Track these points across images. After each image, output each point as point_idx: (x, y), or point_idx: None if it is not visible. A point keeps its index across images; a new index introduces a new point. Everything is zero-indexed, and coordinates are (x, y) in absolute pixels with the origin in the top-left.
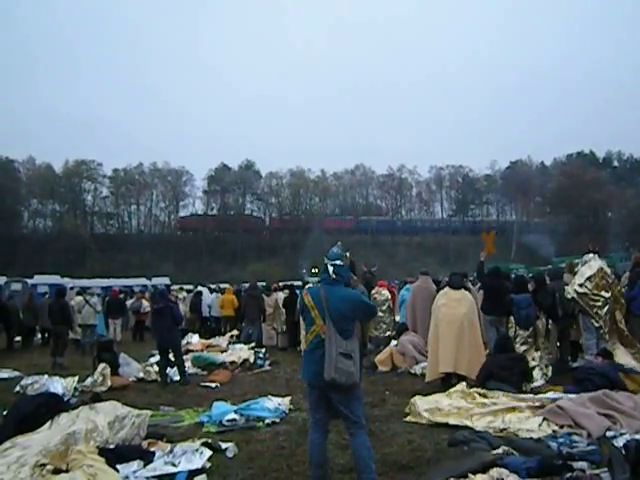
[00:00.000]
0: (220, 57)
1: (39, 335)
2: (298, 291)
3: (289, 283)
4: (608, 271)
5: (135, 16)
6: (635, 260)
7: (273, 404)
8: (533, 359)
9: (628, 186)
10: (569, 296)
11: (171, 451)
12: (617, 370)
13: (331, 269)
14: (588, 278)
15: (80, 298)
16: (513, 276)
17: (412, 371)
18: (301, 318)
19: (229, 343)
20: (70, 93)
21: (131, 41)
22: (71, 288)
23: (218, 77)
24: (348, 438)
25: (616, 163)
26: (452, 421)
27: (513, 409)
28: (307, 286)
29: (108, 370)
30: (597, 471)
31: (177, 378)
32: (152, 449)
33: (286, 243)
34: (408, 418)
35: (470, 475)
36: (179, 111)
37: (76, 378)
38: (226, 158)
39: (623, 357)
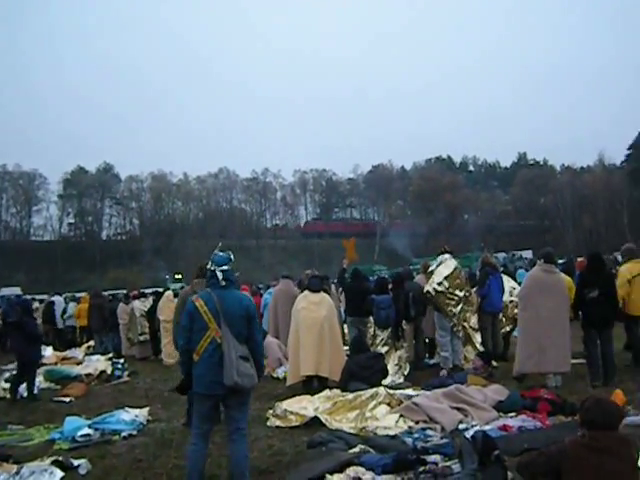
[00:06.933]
0: (71, 54)
1: None
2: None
3: (152, 290)
4: (462, 271)
5: None
6: (483, 260)
7: (130, 416)
8: (393, 359)
9: (482, 189)
10: (428, 295)
11: (17, 472)
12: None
13: (221, 275)
14: (445, 277)
15: None
16: (374, 277)
17: (274, 375)
18: (183, 325)
19: (85, 355)
20: None
21: None
22: None
23: (69, 74)
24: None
25: (472, 168)
26: (314, 421)
27: (373, 400)
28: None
29: None
30: (449, 463)
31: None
32: None
33: (148, 248)
34: (269, 422)
35: (327, 475)
36: (29, 110)
37: None
38: (83, 160)
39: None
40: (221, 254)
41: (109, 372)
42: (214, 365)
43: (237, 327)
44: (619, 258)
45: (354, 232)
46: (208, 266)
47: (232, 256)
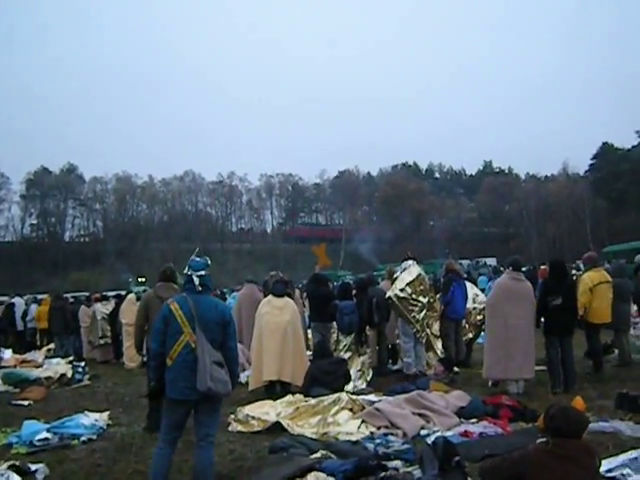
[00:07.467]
0: (34, 53)
1: None
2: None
3: (114, 293)
4: (425, 277)
5: None
6: (447, 267)
7: (90, 420)
8: (356, 365)
9: (448, 196)
10: (390, 301)
11: None
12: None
13: (197, 280)
14: (408, 283)
15: None
16: (339, 282)
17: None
18: (156, 328)
19: (45, 357)
20: None
21: None
22: None
23: (32, 73)
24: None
25: (437, 174)
26: (275, 426)
27: (335, 405)
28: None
29: None
30: (410, 469)
31: None
32: None
33: (111, 251)
34: (231, 427)
35: None
36: None
37: None
38: (46, 161)
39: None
40: (198, 259)
41: (69, 375)
42: (187, 370)
43: (212, 333)
44: (581, 266)
45: (322, 238)
46: (185, 271)
47: (209, 261)
